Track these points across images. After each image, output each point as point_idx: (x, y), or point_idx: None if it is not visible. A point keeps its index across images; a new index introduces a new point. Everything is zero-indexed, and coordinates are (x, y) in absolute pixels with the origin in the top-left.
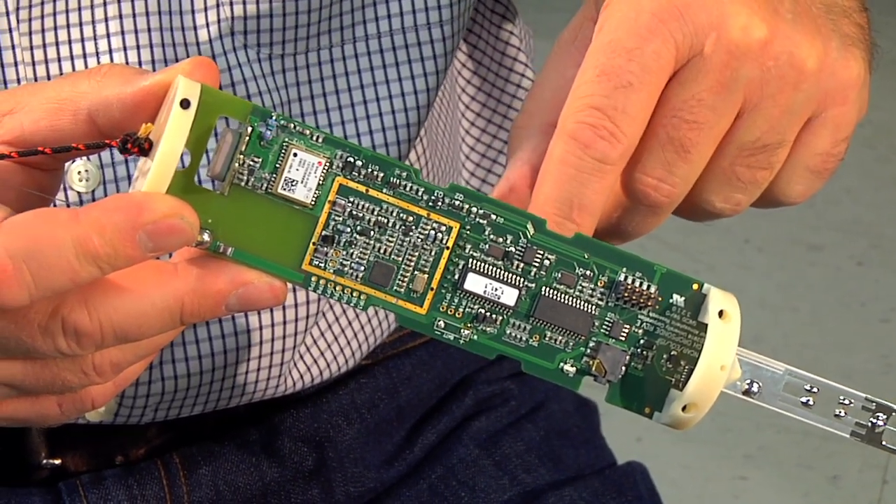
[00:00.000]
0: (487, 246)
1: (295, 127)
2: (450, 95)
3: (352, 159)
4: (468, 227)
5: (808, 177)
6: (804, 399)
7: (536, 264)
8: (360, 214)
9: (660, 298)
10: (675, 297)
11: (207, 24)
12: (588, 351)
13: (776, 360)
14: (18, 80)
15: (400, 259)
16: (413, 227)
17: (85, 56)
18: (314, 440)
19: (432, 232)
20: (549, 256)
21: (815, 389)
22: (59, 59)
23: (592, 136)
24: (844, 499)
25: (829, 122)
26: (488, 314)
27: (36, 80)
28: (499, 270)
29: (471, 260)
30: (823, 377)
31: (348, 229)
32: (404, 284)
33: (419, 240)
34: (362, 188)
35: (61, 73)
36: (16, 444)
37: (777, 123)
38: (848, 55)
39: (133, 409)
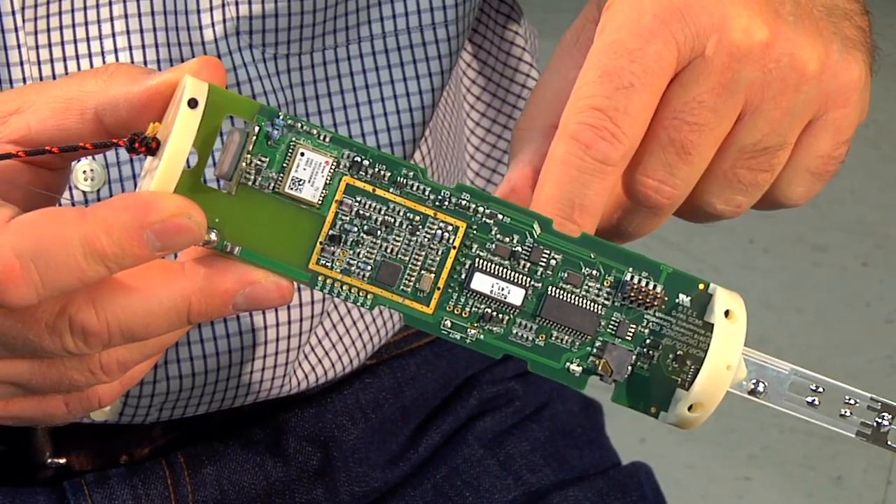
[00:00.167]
0: (494, 245)
1: (302, 126)
2: (454, 95)
3: (359, 159)
4: (475, 226)
5: (809, 179)
6: (809, 399)
7: (543, 264)
8: (367, 214)
9: (666, 298)
10: (682, 296)
11: (213, 24)
12: (594, 350)
13: (779, 359)
14: (24, 80)
15: (407, 258)
16: (420, 227)
17: (90, 55)
18: (319, 440)
19: (439, 231)
20: (556, 256)
21: (820, 389)
22: (64, 59)
23: (594, 136)
24: (848, 499)
25: (830, 124)
26: (495, 314)
27: (41, 79)
28: (505, 270)
29: (477, 259)
30: (828, 377)
31: (355, 229)
32: (411, 284)
33: (426, 239)
34: (369, 188)
35: (67, 73)
36: (21, 444)
37: (778, 125)
38: (849, 57)
39: (138, 408)
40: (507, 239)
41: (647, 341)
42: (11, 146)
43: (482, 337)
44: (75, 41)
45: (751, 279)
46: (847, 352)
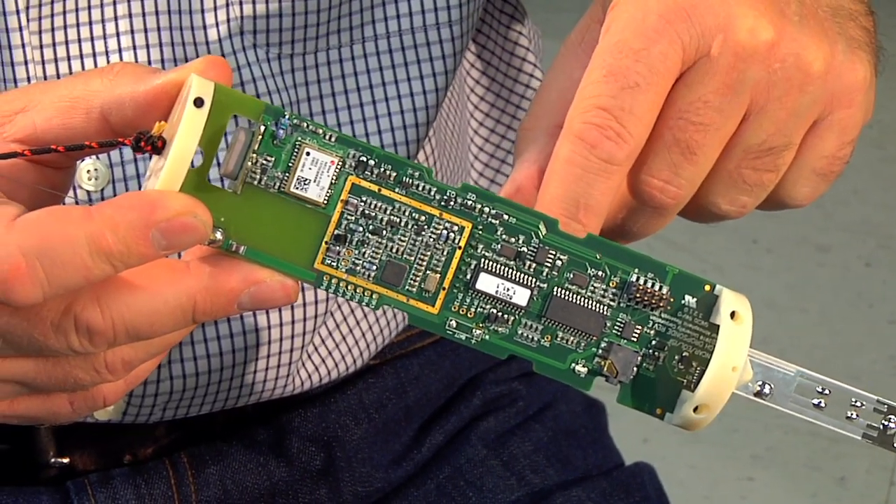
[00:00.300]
0: (499, 246)
1: (308, 126)
2: (458, 96)
3: (364, 158)
4: (480, 226)
5: (814, 179)
6: (815, 401)
7: (548, 264)
8: (373, 214)
9: (672, 299)
10: (687, 298)
11: (217, 24)
12: (600, 351)
13: (784, 361)
14: (28, 79)
15: (412, 258)
16: (425, 227)
17: (94, 55)
18: (322, 440)
19: (444, 231)
20: (562, 257)
21: (826, 391)
22: (68, 58)
23: (599, 136)
24: (852, 500)
25: (835, 124)
26: (500, 314)
27: (46, 78)
28: (511, 270)
29: (483, 260)
30: (831, 378)
31: (361, 228)
32: (416, 284)
33: (431, 239)
34: (375, 187)
35: (71, 72)
36: (24, 443)
37: (783, 126)
38: (854, 58)
39: (141, 408)
40: (513, 239)
41: (653, 342)
42: (17, 145)
43: (487, 337)
44: (79, 40)
45: (754, 279)
46: (850, 352)
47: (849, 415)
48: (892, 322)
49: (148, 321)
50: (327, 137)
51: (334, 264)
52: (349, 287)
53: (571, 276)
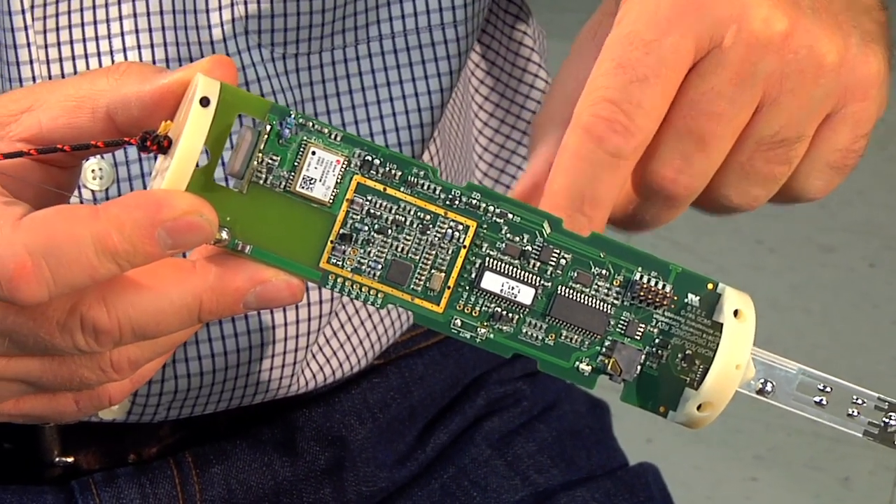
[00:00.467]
0: (504, 245)
1: (313, 125)
2: (462, 96)
3: (370, 158)
4: (485, 225)
5: (827, 172)
6: (817, 398)
7: (553, 263)
8: (378, 213)
9: (675, 298)
10: (691, 296)
11: (222, 23)
12: (603, 350)
13: (786, 359)
14: (34, 78)
15: (417, 257)
16: (430, 226)
17: (99, 54)
18: (326, 439)
19: (449, 231)
20: (566, 255)
21: (828, 389)
22: (73, 58)
23: (606, 129)
24: (855, 500)
25: (848, 117)
26: (505, 313)
27: (51, 78)
28: (515, 269)
29: (487, 259)
30: (836, 377)
31: (366, 227)
32: (421, 283)
33: (436, 238)
34: (380, 186)
35: (76, 72)
36: (29, 443)
37: (796, 118)
38: (868, 51)
39: (146, 407)
40: (518, 238)
41: (657, 341)
42: (23, 144)
43: (492, 336)
44: (84, 40)
45: (758, 280)
46: (854, 352)
47: (850, 412)
48: None
49: (154, 320)
50: (333, 137)
51: (340, 263)
52: (354, 286)
53: (575, 274)
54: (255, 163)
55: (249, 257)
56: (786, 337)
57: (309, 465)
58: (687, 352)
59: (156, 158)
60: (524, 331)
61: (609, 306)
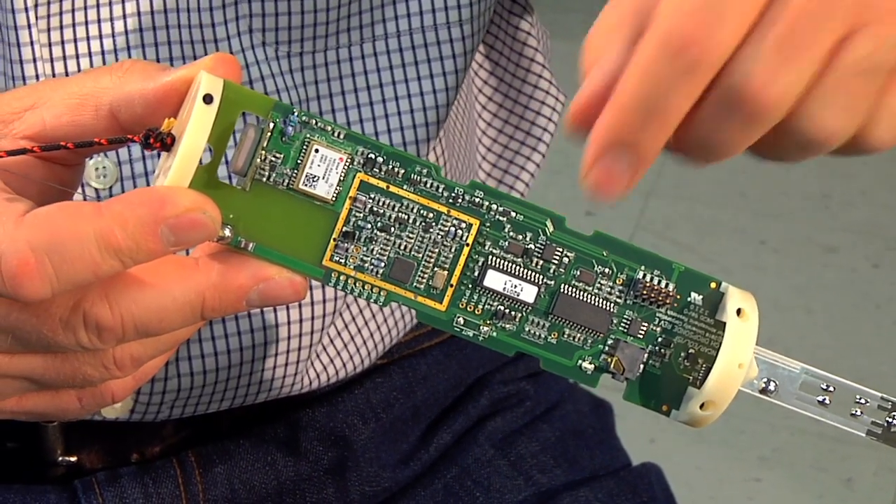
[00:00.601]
0: (507, 243)
1: (316, 123)
2: (466, 95)
3: (373, 156)
4: (488, 223)
5: None
6: (820, 398)
7: (555, 261)
8: (381, 211)
9: (678, 296)
10: (693, 295)
11: (225, 21)
12: (606, 348)
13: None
14: (37, 77)
15: (420, 255)
16: (433, 224)
17: (103, 52)
18: (330, 439)
19: (452, 229)
20: (569, 254)
21: (831, 388)
22: (77, 56)
23: (691, 35)
24: (859, 501)
25: None
26: (507, 311)
27: (54, 75)
28: (518, 267)
29: (490, 257)
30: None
31: (369, 225)
32: (424, 281)
33: (439, 236)
34: (383, 184)
35: (79, 70)
36: (32, 442)
37: (891, 45)
38: None
39: (149, 405)
40: (520, 236)
41: (659, 339)
42: (26, 142)
43: (495, 334)
44: (88, 38)
45: (761, 280)
46: (856, 353)
47: (853, 412)
48: None
49: (157, 317)
50: (336, 134)
51: (342, 261)
52: (357, 284)
53: (578, 273)
54: (259, 160)
55: (252, 255)
56: (788, 337)
57: (312, 465)
58: (690, 350)
59: (159, 156)
60: (527, 329)
61: (612, 305)
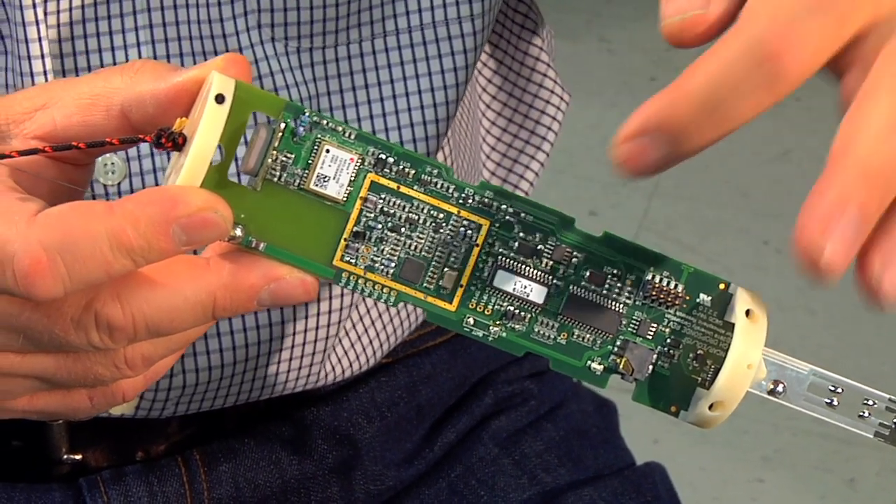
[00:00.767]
0: (517, 244)
1: (327, 123)
2: (470, 96)
3: (383, 156)
4: (498, 224)
5: None
6: (828, 399)
7: (565, 262)
8: (392, 211)
9: (687, 298)
10: (702, 296)
11: (234, 17)
12: (615, 349)
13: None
14: (45, 73)
15: (430, 256)
16: (443, 225)
17: (113, 49)
18: (334, 438)
19: (462, 229)
20: (578, 255)
21: (839, 390)
22: (86, 52)
23: (782, 47)
24: (862, 502)
25: None
26: (517, 311)
27: (63, 73)
28: (528, 268)
29: (500, 257)
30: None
31: (379, 226)
32: (434, 281)
33: (449, 237)
34: (394, 185)
35: (89, 66)
36: (37, 440)
37: None
38: None
39: (154, 402)
40: (530, 237)
41: (668, 340)
42: (37, 142)
43: (504, 335)
44: (98, 34)
45: (763, 280)
46: (859, 353)
47: (861, 413)
48: None
49: (168, 317)
50: (347, 135)
51: (353, 261)
52: (367, 284)
53: (588, 274)
54: (270, 160)
55: (263, 254)
56: (791, 337)
57: (317, 464)
58: (699, 351)
59: (169, 156)
60: (536, 329)
61: (621, 306)
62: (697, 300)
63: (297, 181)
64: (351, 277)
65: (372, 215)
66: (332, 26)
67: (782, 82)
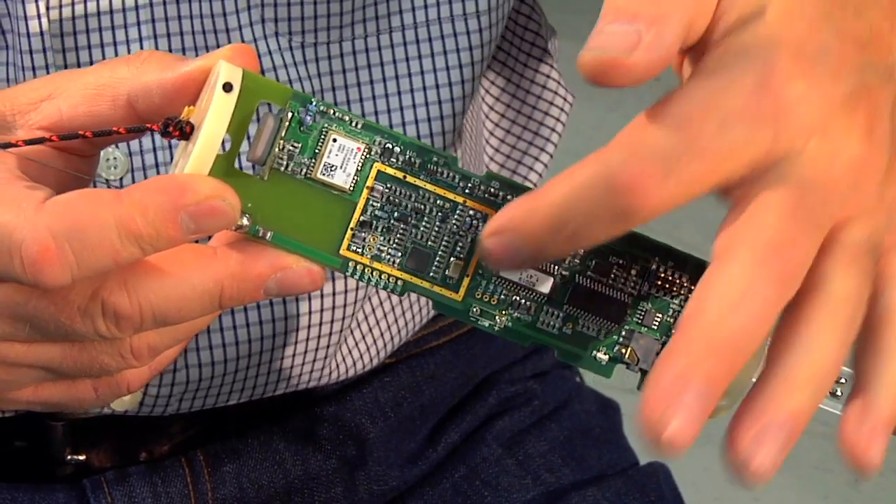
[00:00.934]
0: None
1: (334, 113)
2: (474, 95)
3: (390, 145)
4: None
5: None
6: (832, 389)
7: (571, 252)
8: (398, 200)
9: (692, 288)
10: None
11: (238, 11)
12: (621, 339)
13: None
14: (46, 67)
15: (436, 245)
16: (450, 214)
17: (115, 43)
18: (338, 438)
19: (468, 219)
20: None
21: (843, 380)
22: (89, 47)
23: (636, 183)
24: (864, 502)
25: None
26: (523, 301)
27: (66, 66)
28: None
29: None
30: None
31: (386, 215)
32: (440, 271)
33: (455, 227)
34: (400, 174)
35: (91, 60)
36: (40, 441)
37: None
38: None
39: (158, 398)
40: None
41: (673, 330)
42: (43, 132)
43: (510, 324)
44: (100, 29)
45: None
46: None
47: None
48: None
49: (175, 306)
50: (354, 124)
51: (360, 251)
52: (374, 273)
53: (593, 264)
54: (277, 149)
55: (270, 244)
56: None
57: (320, 464)
58: None
59: (171, 150)
60: (542, 319)
61: (626, 296)
62: None
63: (304, 170)
64: (357, 266)
65: (378, 205)
66: (336, 21)
67: (633, 216)
